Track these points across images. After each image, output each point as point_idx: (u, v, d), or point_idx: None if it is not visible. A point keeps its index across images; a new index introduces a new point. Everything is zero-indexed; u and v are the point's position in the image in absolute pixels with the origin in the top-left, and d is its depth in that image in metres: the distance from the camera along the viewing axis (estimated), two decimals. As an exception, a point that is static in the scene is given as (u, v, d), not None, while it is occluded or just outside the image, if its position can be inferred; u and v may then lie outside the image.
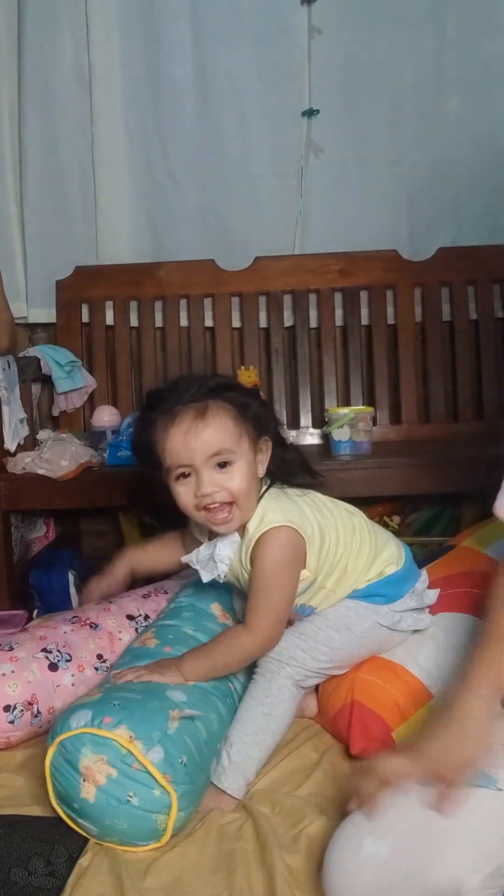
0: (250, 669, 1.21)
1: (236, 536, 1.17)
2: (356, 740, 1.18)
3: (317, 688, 1.29)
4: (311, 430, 2.23)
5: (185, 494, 1.13)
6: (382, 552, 1.23)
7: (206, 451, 1.10)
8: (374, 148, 2.29)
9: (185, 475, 1.12)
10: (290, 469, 1.21)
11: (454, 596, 1.30)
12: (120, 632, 1.41)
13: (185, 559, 1.23)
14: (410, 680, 1.21)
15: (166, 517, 1.21)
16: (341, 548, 1.20)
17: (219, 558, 1.17)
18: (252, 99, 2.27)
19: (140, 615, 1.46)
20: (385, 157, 2.29)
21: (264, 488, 1.18)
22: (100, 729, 1.00)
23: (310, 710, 1.30)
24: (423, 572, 1.29)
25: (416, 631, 1.25)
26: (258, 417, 1.15)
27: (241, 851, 0.99)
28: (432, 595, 1.27)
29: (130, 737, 0.99)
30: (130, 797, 0.98)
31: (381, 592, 1.21)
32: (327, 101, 2.26)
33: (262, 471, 1.17)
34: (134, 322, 2.28)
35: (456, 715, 0.87)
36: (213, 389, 1.14)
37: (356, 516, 1.26)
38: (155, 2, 2.24)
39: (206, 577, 1.20)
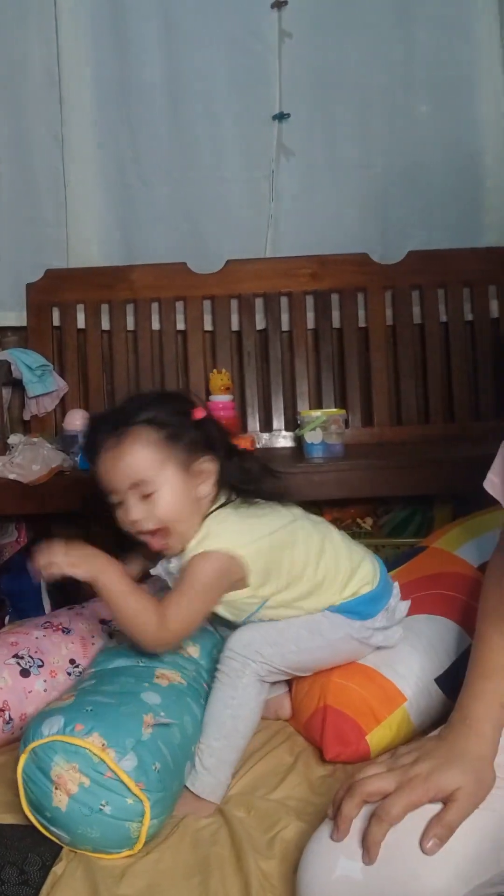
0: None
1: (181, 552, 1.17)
2: (330, 746, 1.18)
3: (290, 689, 1.29)
4: (284, 432, 2.23)
5: (120, 520, 1.14)
6: (357, 572, 1.21)
7: (125, 483, 1.11)
8: (344, 152, 2.31)
9: (118, 502, 1.13)
10: (251, 478, 1.19)
11: (426, 598, 1.31)
12: (93, 636, 1.40)
13: (153, 571, 1.22)
14: (383, 683, 1.21)
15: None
16: (302, 566, 1.17)
17: (174, 569, 1.17)
18: (223, 102, 2.28)
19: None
20: (355, 160, 2.31)
21: (216, 506, 1.16)
22: (72, 737, 0.99)
23: (284, 712, 1.30)
24: (396, 586, 1.28)
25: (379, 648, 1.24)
26: (192, 438, 1.13)
27: (217, 857, 0.98)
28: (403, 608, 1.26)
29: (103, 745, 0.98)
30: (103, 806, 0.97)
31: (356, 610, 1.20)
32: (298, 104, 2.27)
33: (203, 491, 1.14)
34: (105, 325, 2.26)
35: (456, 749, 0.84)
36: (141, 411, 1.12)
37: (329, 534, 1.23)
38: (125, 4, 2.23)
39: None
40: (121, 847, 0.99)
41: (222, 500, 1.17)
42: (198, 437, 1.14)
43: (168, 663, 1.19)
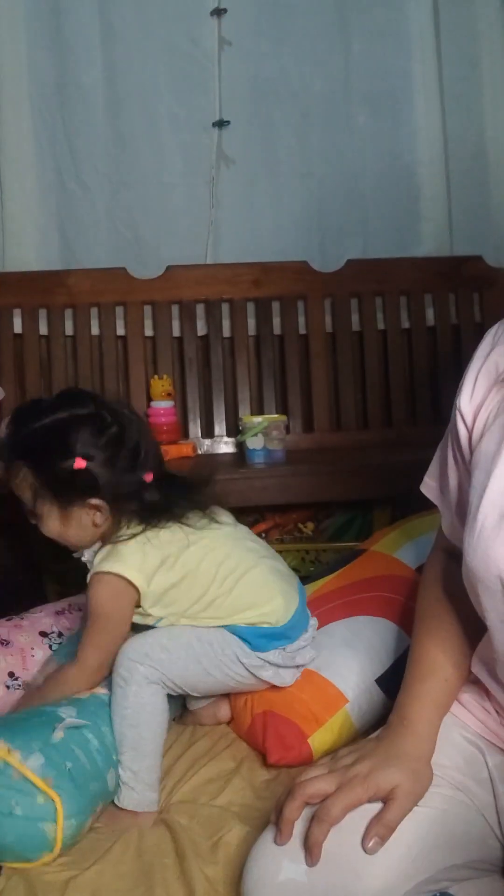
0: None
1: (97, 546, 1.20)
2: (272, 751, 1.18)
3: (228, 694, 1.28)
4: (226, 438, 2.23)
5: None
6: (259, 606, 1.19)
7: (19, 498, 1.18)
8: (284, 160, 2.33)
9: None
10: (154, 510, 1.16)
11: (366, 600, 1.33)
12: (32, 648, 1.37)
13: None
14: (324, 685, 1.22)
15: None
16: (196, 589, 1.17)
17: (87, 560, 1.20)
18: (162, 107, 2.28)
19: (53, 632, 1.42)
20: (295, 169, 2.34)
21: (129, 531, 1.15)
22: None
23: (223, 715, 1.29)
24: (309, 630, 1.23)
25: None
26: (67, 489, 1.13)
27: (160, 865, 0.97)
28: (308, 656, 1.23)
29: (8, 749, 0.99)
30: (13, 807, 0.97)
31: (246, 638, 1.18)
32: (237, 112, 2.28)
33: (91, 522, 1.15)
34: (43, 331, 2.23)
35: (394, 749, 0.85)
36: (27, 451, 1.15)
37: (242, 562, 1.20)
38: (62, 6, 2.21)
39: None
40: (39, 851, 0.98)
41: (136, 527, 1.16)
42: (78, 484, 1.13)
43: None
